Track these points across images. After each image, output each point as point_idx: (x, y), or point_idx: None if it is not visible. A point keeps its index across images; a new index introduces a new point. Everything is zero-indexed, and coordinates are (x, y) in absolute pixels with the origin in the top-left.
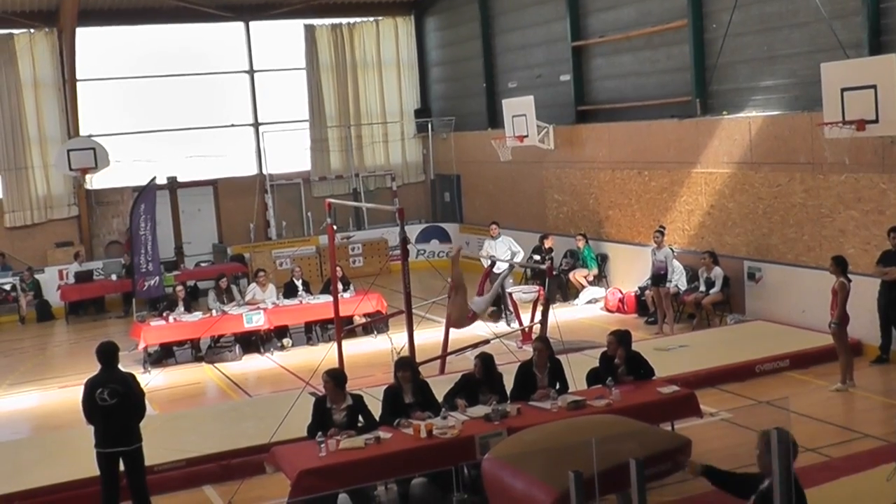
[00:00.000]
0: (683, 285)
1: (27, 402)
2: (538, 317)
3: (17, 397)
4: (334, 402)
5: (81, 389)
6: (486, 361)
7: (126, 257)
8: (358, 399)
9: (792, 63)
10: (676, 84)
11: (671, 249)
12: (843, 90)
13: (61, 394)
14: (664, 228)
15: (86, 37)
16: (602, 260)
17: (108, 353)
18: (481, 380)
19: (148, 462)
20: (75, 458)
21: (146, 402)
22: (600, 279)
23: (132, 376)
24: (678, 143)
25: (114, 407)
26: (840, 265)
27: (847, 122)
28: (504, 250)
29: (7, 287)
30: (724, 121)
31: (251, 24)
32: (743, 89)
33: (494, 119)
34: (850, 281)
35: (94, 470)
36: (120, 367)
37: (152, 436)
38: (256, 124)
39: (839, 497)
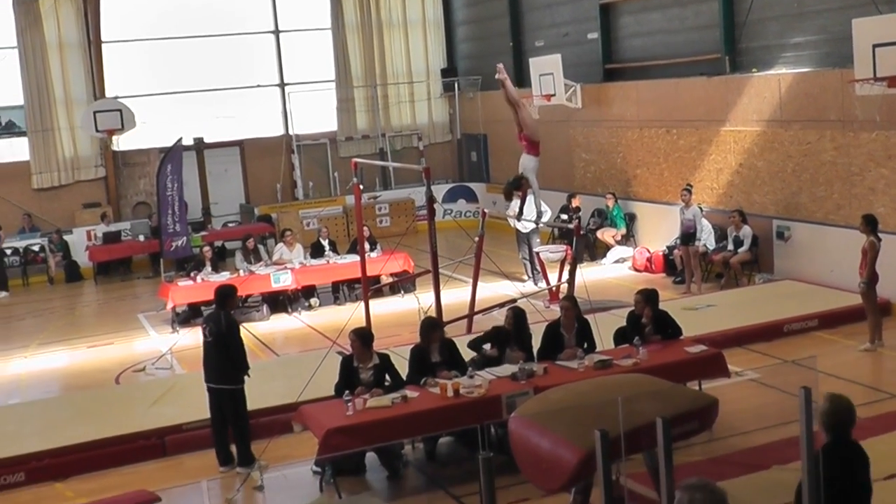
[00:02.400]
0: (711, 244)
1: (57, 361)
2: (565, 276)
3: (46, 356)
4: (361, 361)
5: None
6: (518, 315)
7: (153, 218)
8: (384, 358)
9: (823, 19)
10: (705, 41)
11: (699, 208)
12: (874, 46)
13: (90, 353)
14: (691, 187)
15: None
16: (630, 219)
17: (218, 294)
18: (511, 333)
19: (176, 421)
20: (104, 417)
21: (241, 353)
22: (628, 238)
23: (231, 324)
24: (707, 101)
25: (210, 344)
26: (870, 224)
27: (878, 79)
28: (531, 210)
29: (35, 248)
30: (754, 78)
31: None
32: (773, 46)
33: (521, 78)
34: (880, 240)
35: (122, 428)
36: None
37: (181, 395)
38: (282, 85)
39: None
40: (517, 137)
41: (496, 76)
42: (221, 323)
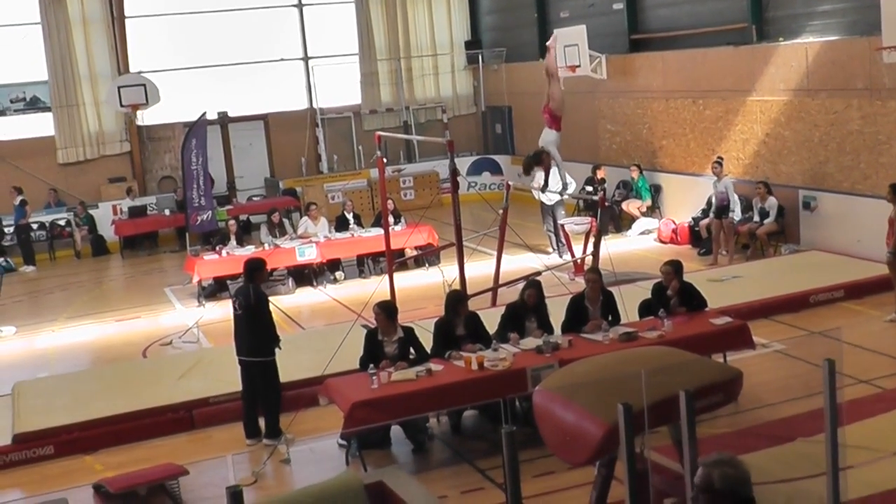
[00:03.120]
0: (738, 215)
1: (85, 334)
2: (590, 248)
3: (75, 330)
4: (386, 334)
5: None
6: (539, 288)
7: (179, 192)
8: (409, 331)
9: None
10: (732, 10)
11: (729, 180)
12: None
13: (118, 327)
14: (722, 159)
15: None
16: (655, 191)
17: (247, 268)
18: (530, 307)
19: (204, 394)
20: (132, 390)
21: (271, 325)
22: (653, 210)
23: (260, 297)
24: (733, 70)
25: (240, 317)
26: None
27: None
28: (556, 182)
29: (62, 222)
30: (781, 47)
31: None
32: (800, 14)
33: (546, 49)
34: None
35: (150, 402)
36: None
37: (208, 368)
38: (306, 58)
39: (893, 428)
40: (542, 109)
41: (547, 42)
42: (251, 296)
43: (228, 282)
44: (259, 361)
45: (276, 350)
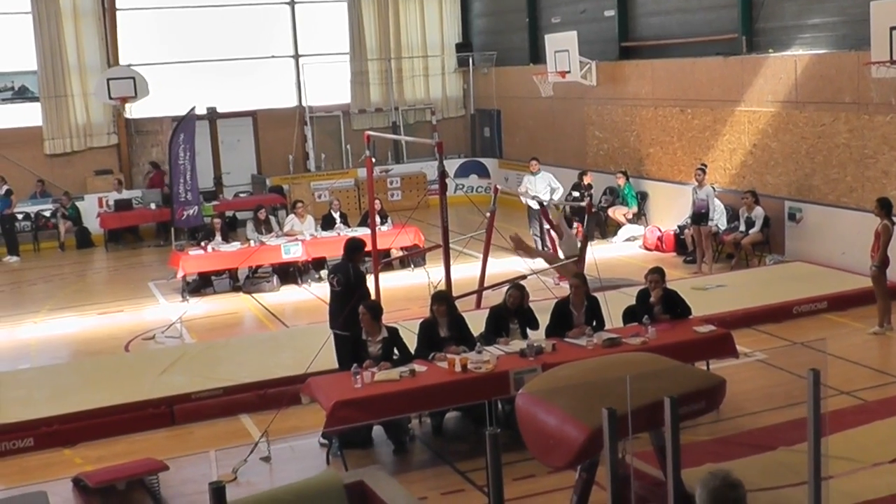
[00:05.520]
0: (723, 224)
1: (66, 327)
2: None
3: (57, 322)
4: (370, 334)
5: None
6: (523, 290)
7: (165, 187)
8: (393, 332)
9: (841, 1)
10: (722, 21)
11: (712, 188)
12: (892, 29)
13: (100, 320)
14: (706, 167)
15: None
16: (642, 198)
17: (347, 247)
18: (511, 309)
19: (185, 390)
20: (113, 384)
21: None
22: (639, 217)
23: (359, 275)
24: (722, 80)
25: (338, 293)
26: (885, 207)
27: (895, 62)
28: (543, 186)
29: (47, 213)
30: (770, 59)
31: None
32: (790, 27)
33: (536, 54)
34: (893, 224)
35: (131, 396)
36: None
37: (190, 364)
38: (297, 56)
39: (873, 440)
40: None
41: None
42: (350, 274)
43: (213, 278)
44: (351, 336)
45: None
